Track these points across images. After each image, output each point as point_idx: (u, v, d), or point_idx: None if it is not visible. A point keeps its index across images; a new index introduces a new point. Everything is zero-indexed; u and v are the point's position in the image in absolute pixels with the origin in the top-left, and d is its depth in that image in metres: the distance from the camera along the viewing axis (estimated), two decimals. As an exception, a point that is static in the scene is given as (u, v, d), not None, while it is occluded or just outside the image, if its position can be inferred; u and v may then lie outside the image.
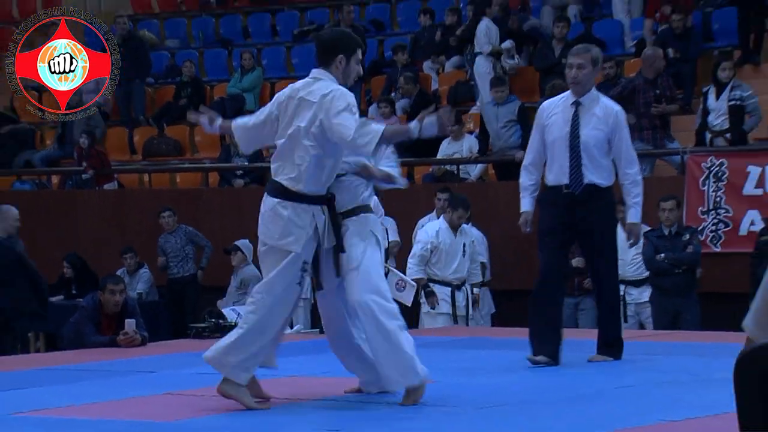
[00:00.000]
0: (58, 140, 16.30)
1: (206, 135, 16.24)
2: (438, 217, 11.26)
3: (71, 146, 15.80)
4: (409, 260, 10.70)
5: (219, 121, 6.52)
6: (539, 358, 7.25)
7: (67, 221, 14.70)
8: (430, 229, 10.81)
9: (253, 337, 6.07)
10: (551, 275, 7.41)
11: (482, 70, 14.41)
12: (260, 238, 6.23)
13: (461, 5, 16.14)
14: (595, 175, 7.28)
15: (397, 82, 15.03)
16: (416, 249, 10.67)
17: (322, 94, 6.03)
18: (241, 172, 14.49)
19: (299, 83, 6.25)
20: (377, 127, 5.94)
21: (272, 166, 6.23)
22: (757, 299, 2.55)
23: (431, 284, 10.71)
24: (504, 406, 6.22)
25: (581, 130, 7.29)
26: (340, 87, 6.12)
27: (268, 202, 6.15)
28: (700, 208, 11.67)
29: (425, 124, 5.94)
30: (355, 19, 16.22)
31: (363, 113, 15.39)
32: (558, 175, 7.33)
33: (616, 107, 7.52)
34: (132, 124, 16.68)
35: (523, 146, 12.87)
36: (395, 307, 6.22)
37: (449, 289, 10.68)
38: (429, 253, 10.62)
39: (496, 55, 14.43)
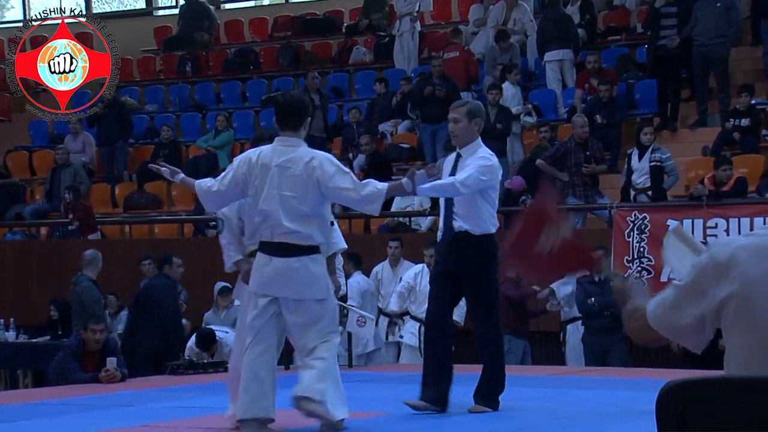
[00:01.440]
0: (46, 195, 16.18)
1: (182, 190, 16.17)
2: (391, 265, 11.44)
3: (58, 200, 15.70)
4: (392, 294, 11.13)
5: (180, 175, 6.46)
6: (418, 403, 6.81)
7: (55, 268, 14.55)
8: (412, 271, 11.11)
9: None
10: (432, 322, 7.01)
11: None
12: (285, 294, 6.09)
13: (412, 75, 16.25)
14: (465, 222, 6.82)
15: (353, 141, 15.09)
16: (398, 287, 11.06)
17: (304, 162, 6.04)
18: (213, 223, 14.43)
19: (268, 150, 6.15)
20: (380, 187, 6.08)
21: (268, 230, 6.08)
22: (668, 293, 2.55)
23: (406, 317, 10.99)
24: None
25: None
26: (317, 151, 6.15)
27: (287, 262, 6.06)
28: (625, 257, 11.75)
29: (418, 177, 6.10)
30: (318, 85, 16.25)
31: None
32: (441, 223, 7.06)
33: (487, 153, 6.92)
34: (114, 180, 16.60)
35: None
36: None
37: (418, 324, 10.75)
38: (407, 291, 10.92)
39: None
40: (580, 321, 10.94)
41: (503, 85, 14.61)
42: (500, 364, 6.96)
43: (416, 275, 10.91)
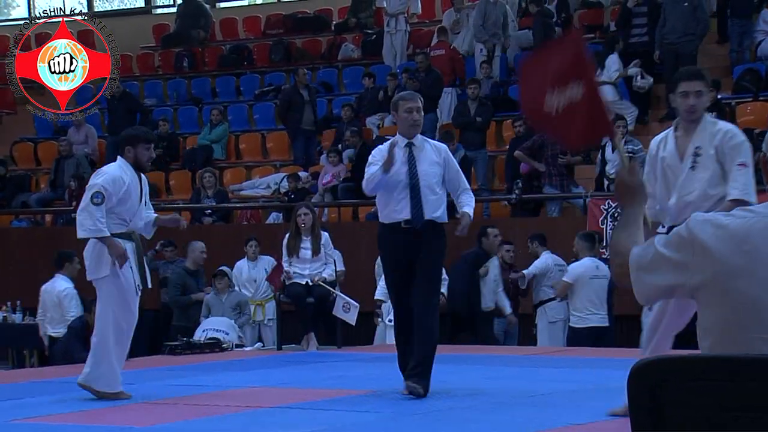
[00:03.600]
0: (50, 184, 16.14)
1: (179, 179, 16.13)
2: None
3: (62, 189, 15.65)
4: (379, 284, 10.71)
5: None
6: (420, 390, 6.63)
7: (59, 253, 14.52)
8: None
9: None
10: (408, 313, 6.76)
11: (609, 98, 13.77)
12: None
13: (398, 71, 16.23)
14: (436, 210, 6.77)
15: (344, 135, 15.05)
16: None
17: None
18: (209, 211, 14.39)
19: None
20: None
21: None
22: (649, 252, 2.48)
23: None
24: (429, 414, 6.21)
25: (419, 167, 6.76)
26: None
27: None
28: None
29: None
30: (307, 81, 16.23)
31: (316, 162, 15.43)
32: (396, 212, 6.76)
33: (443, 144, 7.15)
34: (115, 170, 16.54)
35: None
36: None
37: None
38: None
39: (625, 79, 13.89)
40: (548, 303, 10.98)
41: (610, 58, 13.96)
42: (435, 347, 6.79)
43: None
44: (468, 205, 6.89)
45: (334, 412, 6.29)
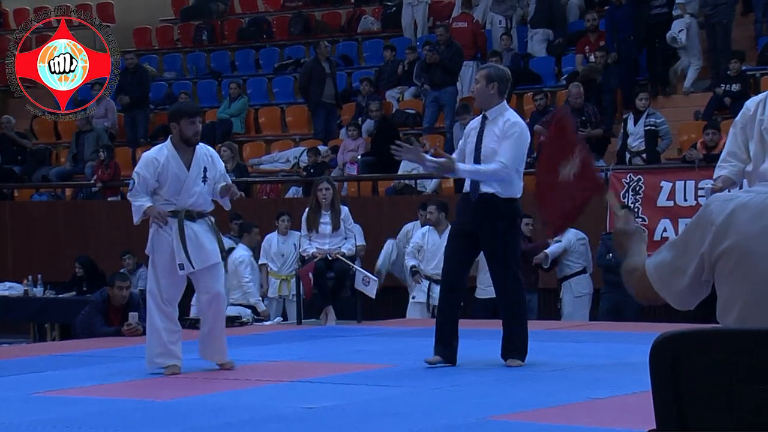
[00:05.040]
0: (72, 158, 16.20)
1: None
2: (422, 225, 11.35)
3: (83, 163, 15.70)
4: (405, 255, 11.10)
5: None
6: (433, 358, 6.79)
7: (79, 227, 14.61)
8: (418, 233, 11.14)
9: None
10: (447, 281, 6.86)
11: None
12: None
13: (417, 44, 16.16)
14: (494, 185, 6.72)
15: (364, 108, 15.01)
16: (408, 248, 11.07)
17: None
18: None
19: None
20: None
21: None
22: (666, 254, 2.51)
23: (418, 274, 10.94)
24: (449, 388, 6.22)
25: (483, 141, 6.74)
26: None
27: None
28: (620, 217, 11.73)
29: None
30: (328, 54, 16.18)
31: (336, 136, 15.41)
32: (467, 182, 6.86)
33: (514, 118, 6.80)
34: (135, 143, 16.59)
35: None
36: None
37: (428, 282, 10.79)
38: (416, 251, 10.93)
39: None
40: (573, 278, 10.96)
41: None
42: (523, 321, 6.87)
43: (423, 235, 10.95)
44: (475, 166, 6.69)
45: (354, 387, 6.31)
